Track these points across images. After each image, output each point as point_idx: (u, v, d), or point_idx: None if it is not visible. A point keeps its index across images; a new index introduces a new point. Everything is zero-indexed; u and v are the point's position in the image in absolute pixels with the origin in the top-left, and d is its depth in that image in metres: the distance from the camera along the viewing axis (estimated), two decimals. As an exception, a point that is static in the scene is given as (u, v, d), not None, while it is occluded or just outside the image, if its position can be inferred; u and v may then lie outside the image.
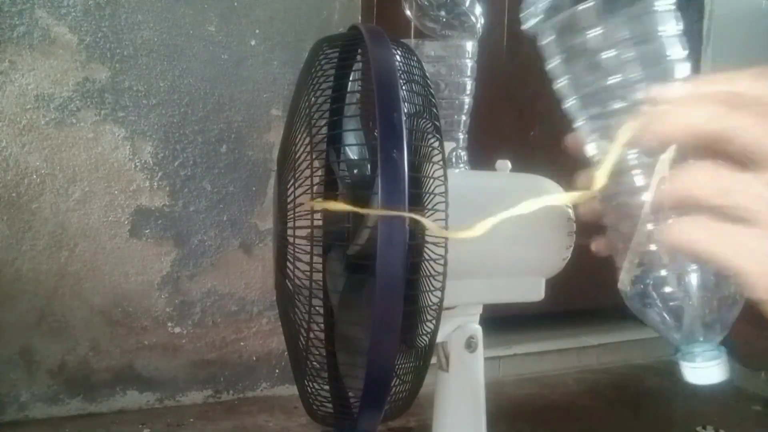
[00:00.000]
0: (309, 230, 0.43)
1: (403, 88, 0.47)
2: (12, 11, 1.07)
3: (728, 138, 0.30)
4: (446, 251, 0.43)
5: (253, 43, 1.25)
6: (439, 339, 0.60)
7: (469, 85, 0.66)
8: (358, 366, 0.41)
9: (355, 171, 0.50)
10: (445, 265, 0.44)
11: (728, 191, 0.30)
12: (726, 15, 1.90)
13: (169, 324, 1.23)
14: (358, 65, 0.49)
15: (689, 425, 1.26)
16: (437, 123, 0.46)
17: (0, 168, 1.09)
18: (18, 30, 1.08)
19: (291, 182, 0.45)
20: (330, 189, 0.57)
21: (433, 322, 0.45)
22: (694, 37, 1.90)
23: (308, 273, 0.43)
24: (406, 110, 0.49)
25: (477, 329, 0.62)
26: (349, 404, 0.48)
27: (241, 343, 1.30)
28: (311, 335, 0.45)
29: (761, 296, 0.31)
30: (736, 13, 1.93)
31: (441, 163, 0.45)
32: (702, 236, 0.31)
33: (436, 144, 0.46)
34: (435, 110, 0.46)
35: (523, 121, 1.73)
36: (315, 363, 0.47)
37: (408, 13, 0.64)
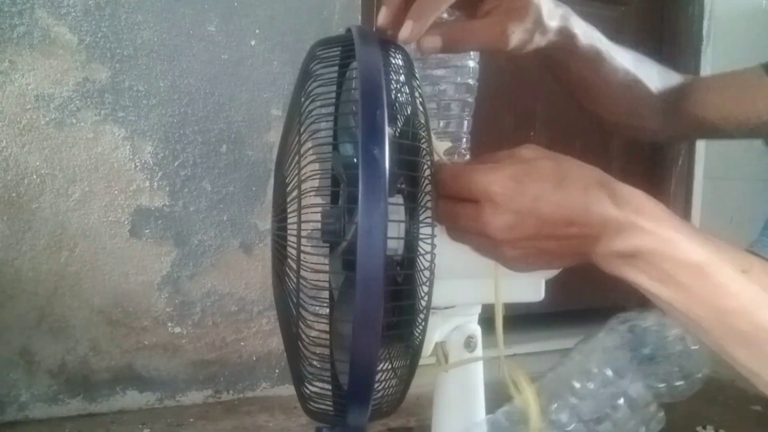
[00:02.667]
0: (306, 229, 0.43)
1: (402, 90, 0.47)
2: (12, 11, 1.07)
3: None
4: (433, 246, 0.44)
5: (253, 43, 1.25)
6: (438, 339, 0.61)
7: (473, 86, 0.66)
8: (347, 362, 0.41)
9: (352, 170, 0.50)
10: (432, 261, 0.45)
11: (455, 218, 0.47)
12: (726, 15, 1.90)
13: (169, 324, 1.23)
14: (355, 64, 0.49)
15: (689, 425, 1.26)
16: (427, 123, 0.47)
17: (0, 168, 1.09)
18: (18, 30, 1.08)
19: (287, 182, 0.45)
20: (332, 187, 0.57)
21: (421, 316, 0.46)
22: (694, 37, 1.90)
23: (299, 273, 0.44)
24: (407, 111, 0.49)
25: (476, 329, 0.62)
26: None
27: (241, 343, 1.30)
28: (301, 333, 0.46)
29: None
30: (736, 13, 1.93)
31: (429, 162, 0.46)
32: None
33: (425, 145, 0.47)
34: (423, 109, 0.47)
35: (523, 122, 1.73)
36: (314, 362, 0.47)
37: None
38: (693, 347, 0.52)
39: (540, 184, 0.43)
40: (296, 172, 0.44)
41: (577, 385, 0.52)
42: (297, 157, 0.44)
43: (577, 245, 0.44)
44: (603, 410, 0.51)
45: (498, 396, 0.57)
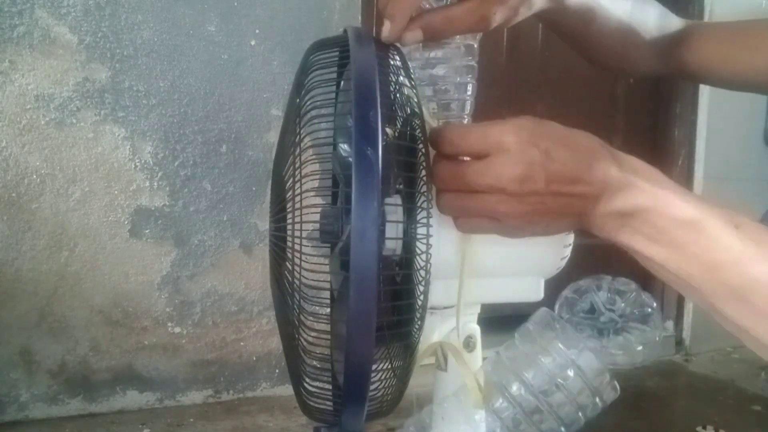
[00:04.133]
0: (304, 230, 0.44)
1: (401, 90, 0.48)
2: (12, 11, 1.07)
3: None
4: (428, 246, 0.45)
5: (253, 43, 1.25)
6: (436, 338, 0.60)
7: (471, 85, 0.66)
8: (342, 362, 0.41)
9: (348, 170, 0.50)
10: (428, 261, 0.45)
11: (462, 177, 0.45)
12: (726, 15, 1.90)
13: (169, 324, 1.23)
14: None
15: (689, 425, 1.26)
16: (423, 124, 0.47)
17: (0, 168, 1.09)
18: (18, 30, 1.08)
19: (284, 182, 0.45)
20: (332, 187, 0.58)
21: (418, 315, 0.46)
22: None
23: (301, 273, 0.44)
24: (406, 112, 0.49)
25: (475, 329, 0.62)
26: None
27: (241, 343, 1.30)
28: (297, 334, 0.46)
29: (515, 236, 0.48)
30: (736, 13, 1.93)
31: (424, 163, 0.46)
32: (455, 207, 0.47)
33: (421, 146, 0.47)
34: (418, 110, 0.48)
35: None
36: (311, 362, 0.47)
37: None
38: (648, 309, 0.52)
39: (550, 141, 0.45)
40: (293, 172, 0.44)
41: (531, 360, 0.53)
42: (293, 158, 0.44)
43: (578, 205, 0.46)
44: (553, 381, 0.51)
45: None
